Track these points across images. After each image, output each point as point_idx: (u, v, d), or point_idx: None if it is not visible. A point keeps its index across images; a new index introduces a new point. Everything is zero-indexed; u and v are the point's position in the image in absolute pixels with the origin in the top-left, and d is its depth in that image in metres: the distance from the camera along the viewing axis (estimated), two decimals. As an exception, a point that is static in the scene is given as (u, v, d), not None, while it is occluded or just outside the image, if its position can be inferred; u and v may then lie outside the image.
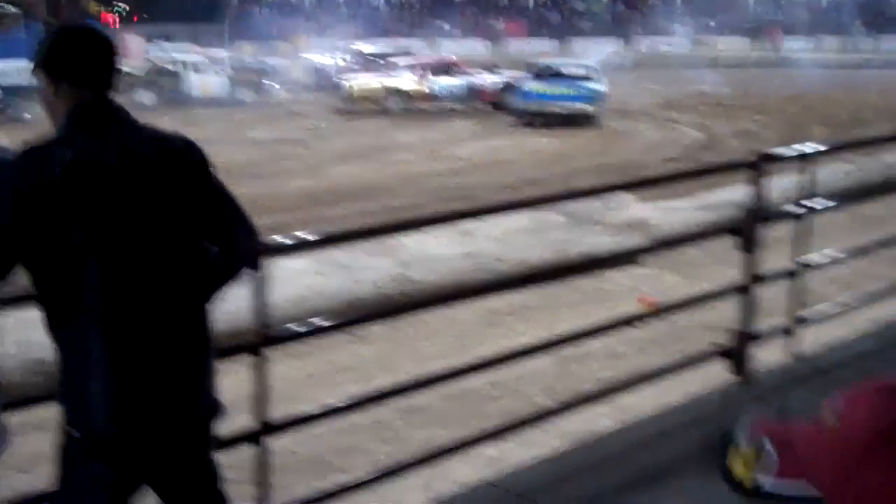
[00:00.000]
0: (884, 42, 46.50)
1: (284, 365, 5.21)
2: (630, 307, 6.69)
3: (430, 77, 25.51)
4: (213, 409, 2.55)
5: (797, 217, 5.24)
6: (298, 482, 4.36)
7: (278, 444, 3.55)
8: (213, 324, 2.54)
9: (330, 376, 6.56)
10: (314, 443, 5.14)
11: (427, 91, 25.30)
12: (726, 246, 5.09)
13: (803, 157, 5.29)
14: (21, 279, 2.43)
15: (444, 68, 26.07)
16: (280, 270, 7.07)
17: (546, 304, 7.60)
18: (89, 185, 2.30)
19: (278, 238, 3.60)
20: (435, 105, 25.30)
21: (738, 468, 1.08)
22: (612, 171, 15.88)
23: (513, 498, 3.92)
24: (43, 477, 3.64)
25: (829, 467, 1.04)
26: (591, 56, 30.71)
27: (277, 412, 3.49)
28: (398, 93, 25.21)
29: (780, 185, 6.98)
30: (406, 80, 25.46)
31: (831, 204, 5.77)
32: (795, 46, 45.71)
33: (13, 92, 23.44)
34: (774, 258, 5.37)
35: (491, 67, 27.74)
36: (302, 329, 3.81)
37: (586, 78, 22.69)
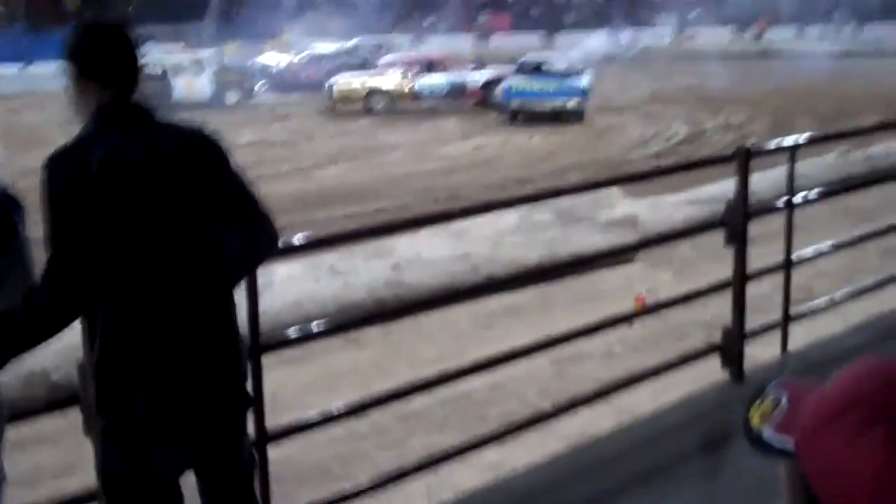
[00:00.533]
0: (867, 31, 46.62)
1: (281, 372, 5.23)
2: (624, 305, 6.73)
3: (414, 76, 25.50)
4: (248, 397, 2.72)
5: (785, 210, 5.28)
6: (299, 491, 4.37)
7: (277, 452, 3.57)
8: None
9: (327, 382, 6.57)
10: (313, 450, 5.16)
11: (410, 90, 25.29)
12: (718, 241, 5.13)
13: (788, 149, 5.31)
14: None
15: (428, 66, 26.05)
16: (273, 276, 7.11)
17: (540, 305, 7.63)
18: (121, 181, 2.40)
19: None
20: (419, 104, 25.29)
21: (755, 419, 1.13)
22: (600, 168, 15.95)
23: (514, 502, 3.95)
24: (48, 490, 3.65)
25: (803, 424, 1.08)
26: (575, 50, 30.76)
27: (275, 420, 3.51)
28: (381, 93, 25.20)
29: (768, 178, 7.05)
30: (389, 80, 25.45)
31: (816, 197, 5.80)
32: (777, 38, 45.80)
33: None
34: (767, 252, 5.42)
35: (475, 64, 27.73)
36: (296, 334, 3.82)
37: (571, 73, 22.70)
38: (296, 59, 32.31)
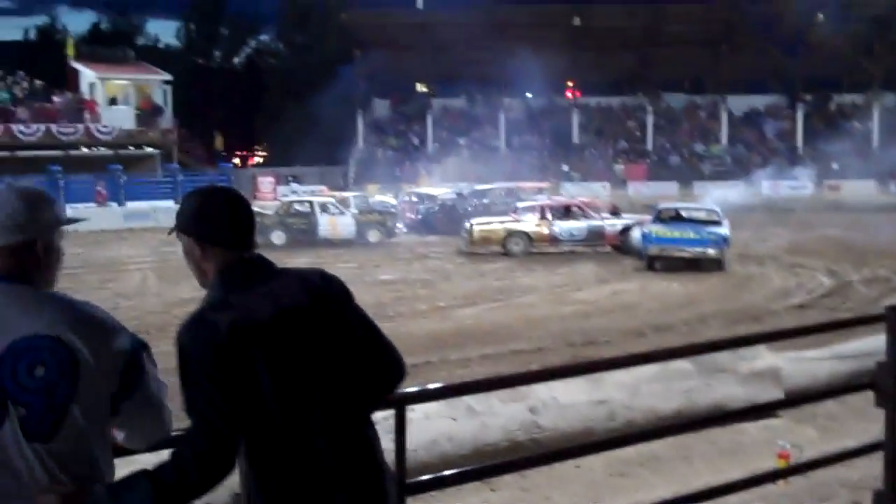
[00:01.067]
0: None
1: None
2: (766, 460, 6.57)
3: (552, 220, 25.80)
4: None
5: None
6: None
7: None
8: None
9: (461, 524, 6.54)
10: None
11: (548, 233, 25.56)
12: (866, 397, 5.00)
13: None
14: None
15: (566, 211, 26.36)
16: (411, 414, 7.18)
17: (678, 455, 7.48)
18: (252, 343, 2.49)
19: (412, 388, 3.71)
20: (557, 247, 25.50)
21: None
22: (739, 317, 15.69)
23: None
24: None
25: None
26: (713, 199, 30.69)
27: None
28: (520, 235, 25.52)
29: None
30: (528, 223, 25.80)
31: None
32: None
33: None
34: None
35: (613, 210, 27.95)
36: (441, 476, 3.87)
37: (709, 221, 22.59)
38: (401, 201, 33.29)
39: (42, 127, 44.40)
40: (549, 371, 5.19)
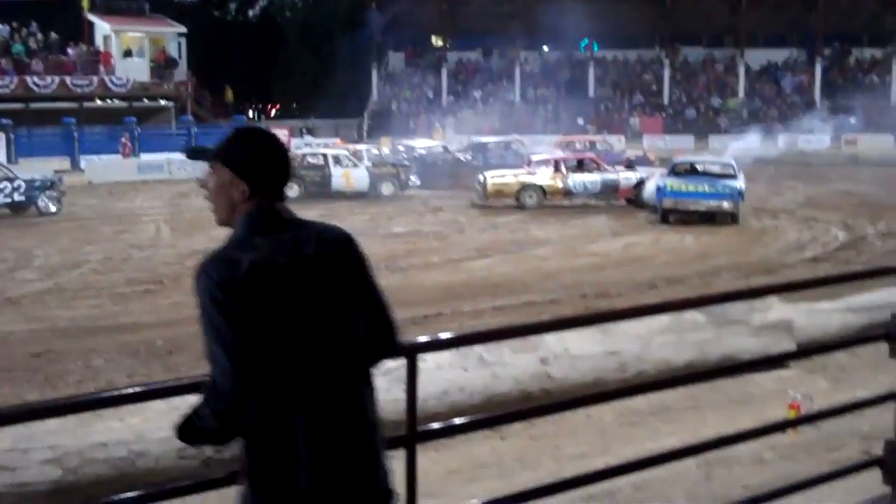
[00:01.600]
0: None
1: (425, 458, 5.28)
2: (776, 410, 6.57)
3: (566, 173, 25.70)
4: (391, 493, 2.74)
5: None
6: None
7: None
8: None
9: (469, 472, 6.58)
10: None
11: (562, 186, 25.47)
12: (878, 349, 4.98)
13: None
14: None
15: (580, 164, 26.24)
16: (423, 364, 7.19)
17: (689, 406, 7.49)
18: (269, 285, 2.52)
19: (423, 337, 3.71)
20: (571, 200, 25.44)
21: None
22: (753, 270, 15.65)
23: None
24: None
25: None
26: (729, 152, 30.49)
27: (422, 509, 3.54)
28: (534, 188, 25.44)
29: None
30: (542, 176, 25.70)
31: None
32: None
33: None
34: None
35: (627, 163, 27.79)
36: (452, 424, 3.88)
37: (724, 175, 22.46)
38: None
39: (56, 79, 44.38)
40: (559, 321, 5.18)
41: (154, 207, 26.40)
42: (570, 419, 7.07)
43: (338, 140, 42.53)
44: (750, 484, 5.56)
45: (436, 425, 3.79)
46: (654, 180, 23.28)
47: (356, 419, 2.63)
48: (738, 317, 8.89)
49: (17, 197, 24.17)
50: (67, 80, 44.65)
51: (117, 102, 46.64)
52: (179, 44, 50.58)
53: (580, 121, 52.87)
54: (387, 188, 28.26)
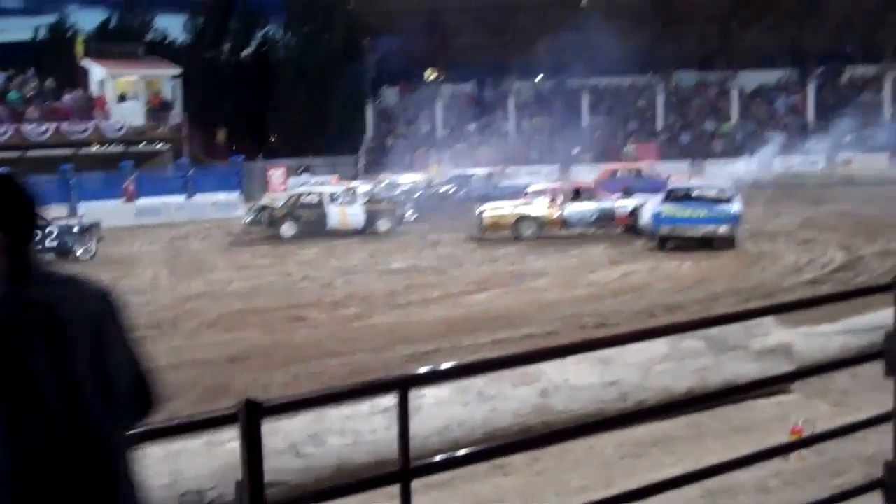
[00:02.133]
0: None
1: (427, 497, 5.25)
2: (779, 436, 6.54)
3: (562, 203, 25.74)
4: None
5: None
6: None
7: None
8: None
9: (473, 509, 6.54)
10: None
11: (559, 217, 25.50)
12: (878, 372, 4.96)
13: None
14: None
15: (576, 193, 26.29)
16: (422, 400, 7.19)
17: (692, 435, 7.46)
18: (7, 333, 2.45)
19: (422, 369, 3.70)
20: (568, 231, 25.46)
21: None
22: (753, 295, 15.63)
23: None
24: None
25: None
26: (724, 176, 30.57)
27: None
28: (530, 219, 25.47)
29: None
30: (538, 207, 25.74)
31: None
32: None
33: None
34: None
35: (623, 191, 27.86)
36: (447, 458, 3.86)
37: (720, 199, 22.50)
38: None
39: (52, 126, 44.48)
40: (555, 349, 5.16)
41: (152, 252, 26.41)
42: (572, 452, 7.04)
43: (334, 177, 42.65)
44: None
45: (431, 459, 3.78)
46: (650, 207, 23.32)
47: (96, 477, 2.54)
48: (738, 342, 8.87)
49: (48, 243, 24.00)
50: (63, 126, 44.76)
51: (113, 147, 46.76)
52: (174, 86, 50.76)
53: (575, 150, 53.04)
54: (383, 224, 28.30)
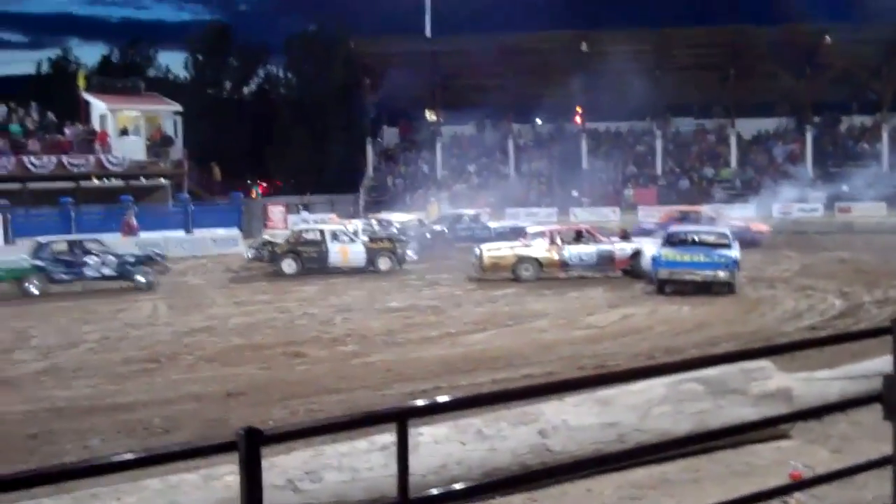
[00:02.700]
0: None
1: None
2: (778, 481, 6.51)
3: (562, 244, 25.79)
4: None
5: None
6: None
7: None
8: None
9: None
10: None
11: (559, 258, 25.53)
12: (878, 418, 4.96)
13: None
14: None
15: (576, 236, 26.38)
16: (420, 439, 7.17)
17: (690, 479, 7.44)
18: None
19: (421, 401, 3.69)
20: (567, 272, 25.48)
21: None
22: (751, 340, 15.63)
23: None
24: None
25: None
26: (723, 221, 30.71)
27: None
28: (530, 260, 25.50)
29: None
30: (538, 248, 25.78)
31: None
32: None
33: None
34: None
35: (622, 234, 27.98)
36: (446, 492, 3.84)
37: (719, 244, 22.56)
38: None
39: (53, 159, 44.66)
40: (555, 384, 5.14)
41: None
42: (571, 495, 7.02)
43: (333, 215, 42.77)
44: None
45: (431, 492, 3.76)
46: (651, 250, 23.39)
47: None
48: (737, 386, 8.86)
49: (106, 271, 25.24)
50: (64, 159, 44.93)
51: (114, 181, 46.88)
52: (175, 122, 50.99)
53: (574, 192, 53.28)
54: (384, 263, 28.29)
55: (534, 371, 13.42)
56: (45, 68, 78.85)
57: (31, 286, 24.59)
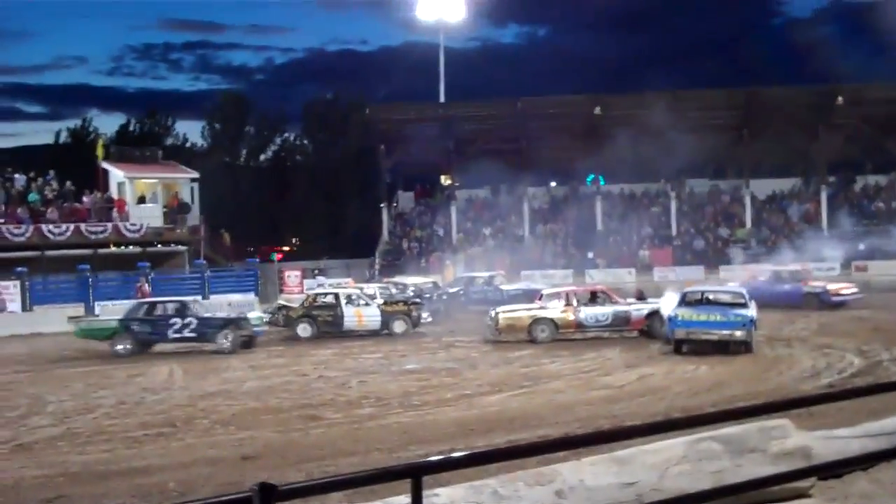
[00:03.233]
0: None
1: None
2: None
3: (577, 305, 25.77)
4: None
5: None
6: None
7: None
8: None
9: None
10: None
11: (574, 319, 25.49)
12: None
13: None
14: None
15: (592, 297, 26.36)
16: (436, 499, 7.14)
17: (709, 537, 7.34)
18: None
19: (435, 457, 3.70)
20: (583, 333, 25.42)
21: None
22: (769, 399, 15.49)
23: None
24: None
25: None
26: (740, 281, 30.62)
27: None
28: (546, 321, 25.46)
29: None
30: (553, 309, 25.75)
31: None
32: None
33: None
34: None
35: (638, 295, 27.94)
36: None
37: (736, 304, 22.50)
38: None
39: (71, 226, 45.03)
40: (571, 439, 5.15)
41: (167, 350, 26.45)
42: (588, 554, 6.93)
43: (350, 280, 42.90)
44: None
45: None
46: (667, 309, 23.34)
47: None
48: (756, 445, 8.79)
49: (187, 333, 25.47)
50: (82, 227, 45.31)
51: (131, 248, 47.20)
52: (192, 189, 51.45)
53: (590, 254, 53.30)
54: (399, 326, 28.31)
55: (550, 432, 13.33)
56: (63, 138, 79.76)
57: (119, 346, 25.15)
